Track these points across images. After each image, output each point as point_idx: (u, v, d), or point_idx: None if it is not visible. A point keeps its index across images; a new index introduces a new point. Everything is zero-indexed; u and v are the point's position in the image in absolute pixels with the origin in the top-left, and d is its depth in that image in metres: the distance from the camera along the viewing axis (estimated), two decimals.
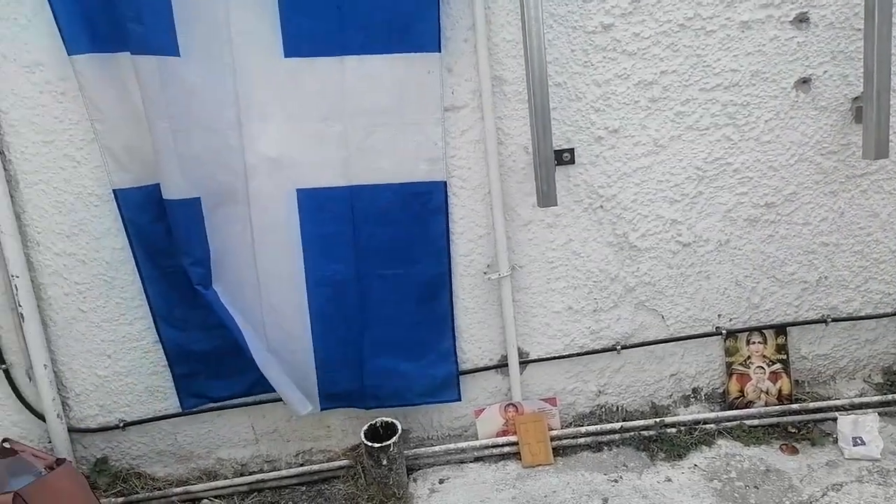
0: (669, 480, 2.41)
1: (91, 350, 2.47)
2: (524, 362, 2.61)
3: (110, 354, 2.48)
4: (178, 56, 2.01)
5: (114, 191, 2.22)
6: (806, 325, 2.67)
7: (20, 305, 2.32)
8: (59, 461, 1.99)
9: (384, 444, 2.37)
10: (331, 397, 2.49)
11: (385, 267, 2.35)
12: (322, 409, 2.50)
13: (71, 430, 2.53)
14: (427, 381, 2.50)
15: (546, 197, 2.24)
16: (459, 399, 2.55)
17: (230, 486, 2.56)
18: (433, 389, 2.52)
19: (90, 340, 2.46)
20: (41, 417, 2.47)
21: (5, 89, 2.18)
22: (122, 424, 2.53)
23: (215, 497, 2.54)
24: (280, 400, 2.51)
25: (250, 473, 2.63)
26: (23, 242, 2.32)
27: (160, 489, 2.56)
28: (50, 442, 2.49)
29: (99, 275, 2.39)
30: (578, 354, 2.61)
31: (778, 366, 2.67)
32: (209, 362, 2.41)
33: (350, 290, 2.36)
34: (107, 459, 2.60)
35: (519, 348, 2.58)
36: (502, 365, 2.61)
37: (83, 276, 2.38)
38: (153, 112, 2.02)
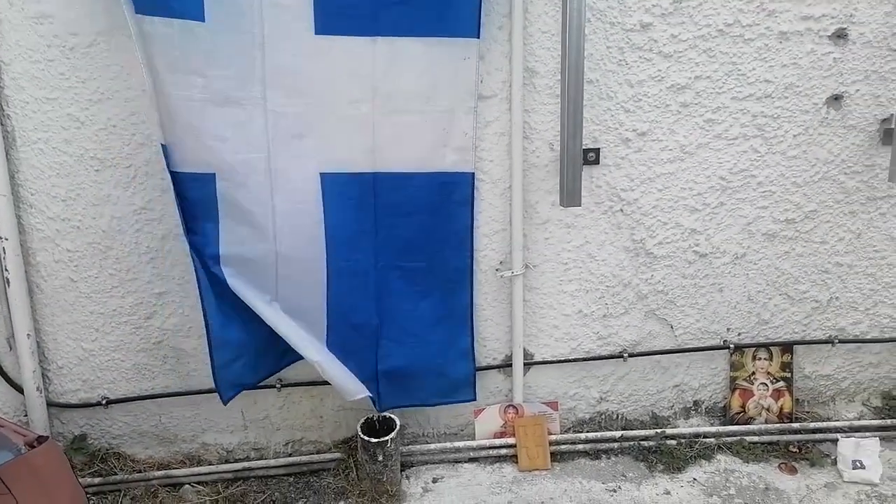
0: (668, 493, 2.37)
1: (78, 322, 2.34)
2: (528, 364, 2.55)
3: (98, 328, 2.35)
4: (203, 21, 1.88)
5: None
6: (812, 345, 2.65)
7: (6, 270, 2.18)
8: (41, 438, 1.85)
9: (382, 439, 2.29)
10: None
11: (406, 259, 2.26)
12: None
13: (50, 404, 2.40)
14: (444, 381, 2.41)
15: (570, 196, 2.17)
16: (475, 399, 2.47)
17: (214, 473, 2.45)
18: (450, 389, 2.43)
19: (78, 311, 2.32)
20: (19, 389, 2.34)
21: (10, 40, 2.04)
22: (104, 402, 2.41)
23: (197, 483, 2.43)
24: (273, 387, 2.42)
25: (236, 461, 2.52)
26: (14, 204, 2.17)
27: (140, 471, 2.44)
28: (26, 415, 2.36)
29: (94, 243, 2.25)
30: (584, 359, 2.56)
31: (781, 383, 2.65)
32: (247, 347, 2.24)
33: (369, 283, 2.25)
34: (85, 437, 2.47)
35: (524, 349, 2.51)
36: (506, 365, 2.54)
37: (77, 243, 2.25)
38: (168, 78, 1.89)
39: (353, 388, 2.32)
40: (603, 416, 2.66)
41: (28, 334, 2.26)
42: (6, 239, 2.15)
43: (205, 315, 2.10)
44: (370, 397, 2.36)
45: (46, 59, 2.07)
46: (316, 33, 2.02)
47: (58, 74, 2.08)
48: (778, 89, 2.31)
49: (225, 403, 2.21)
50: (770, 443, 2.58)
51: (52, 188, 2.19)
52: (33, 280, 2.28)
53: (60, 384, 2.41)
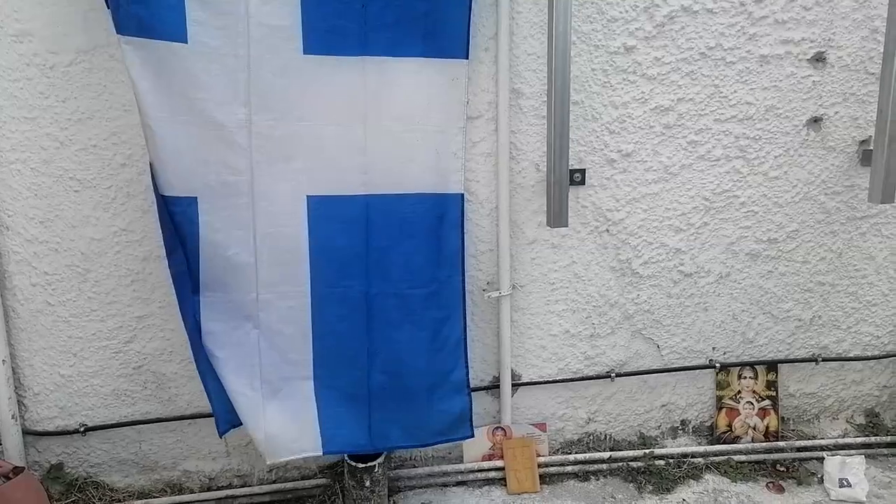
0: None
1: (55, 346, 2.27)
2: (516, 384, 2.53)
3: (76, 352, 2.29)
4: (186, 43, 1.86)
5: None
6: (796, 363, 2.67)
7: None
8: (17, 469, 1.81)
9: (369, 464, 2.24)
10: (334, 439, 2.20)
11: (400, 285, 2.17)
12: (325, 453, 2.21)
13: (25, 432, 2.32)
14: (440, 417, 2.27)
15: (557, 217, 2.17)
16: (472, 436, 2.33)
17: (196, 502, 2.39)
18: (447, 427, 2.28)
19: (55, 336, 2.26)
20: None
21: None
22: (82, 429, 2.33)
23: None
24: None
25: (219, 488, 2.46)
26: None
27: (119, 500, 2.37)
28: (0, 444, 2.28)
29: (72, 265, 2.20)
30: (572, 380, 2.55)
31: (767, 402, 2.66)
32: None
33: (359, 311, 2.17)
34: (62, 466, 2.39)
35: (512, 370, 2.50)
36: (493, 386, 2.52)
37: (55, 265, 2.20)
38: (150, 101, 1.86)
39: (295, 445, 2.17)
40: (591, 437, 2.65)
41: (3, 360, 2.19)
42: None
43: (192, 345, 2.06)
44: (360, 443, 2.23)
45: (26, 77, 2.03)
46: (304, 53, 2.00)
47: (37, 93, 2.05)
48: (759, 111, 2.35)
49: (221, 436, 2.16)
50: (757, 462, 2.59)
51: (29, 209, 2.14)
52: (9, 304, 2.21)
53: (37, 411, 2.34)
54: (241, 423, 2.15)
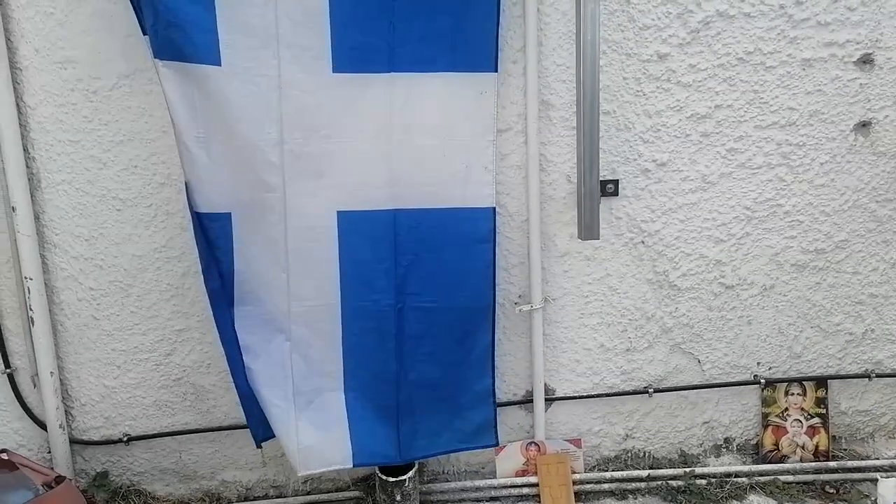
0: None
1: (100, 359, 2.36)
2: (550, 399, 2.48)
3: (120, 365, 2.37)
4: (220, 66, 1.92)
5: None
6: (848, 379, 2.54)
7: (31, 309, 2.21)
8: (59, 479, 1.87)
9: (399, 478, 2.24)
10: (363, 452, 2.23)
11: (427, 299, 2.18)
12: (355, 465, 2.24)
13: (72, 441, 2.42)
14: (464, 425, 2.31)
15: (588, 229, 2.13)
16: (497, 444, 2.35)
17: None
18: (471, 434, 2.32)
19: (100, 349, 2.35)
20: (42, 426, 2.36)
21: (35, 85, 2.10)
22: (126, 439, 2.42)
23: None
24: None
25: (255, 499, 2.51)
26: (39, 243, 2.22)
27: None
28: (49, 452, 2.38)
29: (115, 281, 2.28)
30: (608, 395, 2.49)
31: (816, 420, 2.54)
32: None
33: (388, 324, 2.19)
34: (107, 474, 2.48)
35: (545, 384, 2.46)
36: (527, 401, 2.48)
37: (99, 281, 2.28)
38: (186, 122, 1.92)
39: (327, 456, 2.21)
40: (629, 454, 2.58)
41: (51, 372, 2.29)
42: (31, 279, 2.19)
43: (228, 358, 2.12)
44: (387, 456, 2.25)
45: (70, 102, 2.12)
46: (333, 71, 2.02)
47: (81, 117, 2.14)
48: (802, 117, 2.25)
49: (258, 445, 2.22)
50: (805, 482, 2.47)
51: (75, 228, 2.23)
52: (57, 318, 2.31)
53: (83, 421, 2.43)
54: (274, 435, 2.19)
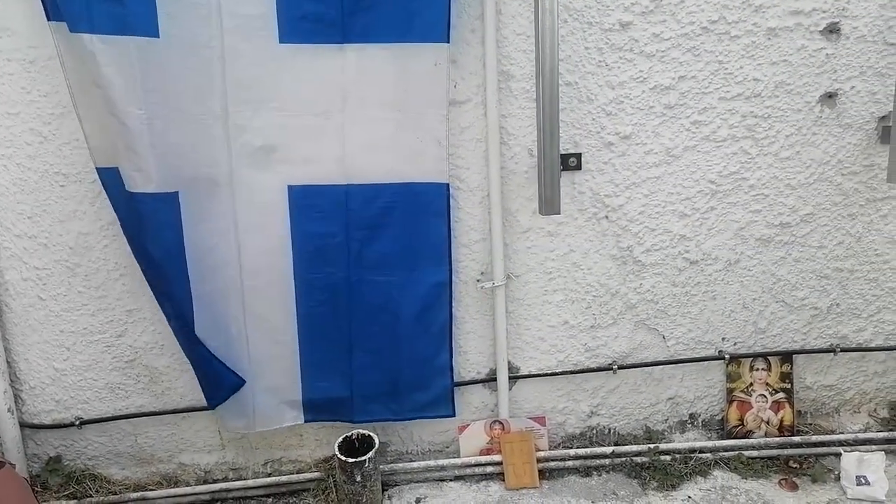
0: None
1: (49, 341, 2.28)
2: (514, 377, 2.45)
3: (69, 347, 2.29)
4: (157, 37, 1.83)
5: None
6: (813, 354, 2.53)
7: None
8: (0, 464, 1.81)
9: (359, 459, 2.21)
10: (316, 407, 2.32)
11: (380, 272, 2.18)
12: (306, 421, 2.34)
13: (23, 425, 2.35)
14: (422, 395, 2.33)
15: (549, 204, 2.08)
16: (454, 415, 2.38)
17: (191, 494, 2.39)
18: (426, 404, 2.35)
19: (48, 330, 2.27)
20: None
21: None
22: (78, 422, 2.35)
23: None
24: None
25: (214, 481, 2.45)
26: None
27: (116, 493, 2.38)
28: None
29: (61, 260, 2.20)
30: (572, 372, 2.46)
31: (781, 395, 2.53)
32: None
33: (341, 296, 2.19)
34: (60, 458, 2.42)
35: (509, 363, 2.42)
36: (490, 379, 2.44)
37: (44, 260, 2.20)
38: (125, 98, 1.84)
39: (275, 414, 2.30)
40: (594, 431, 2.56)
41: None
42: None
43: (178, 334, 2.14)
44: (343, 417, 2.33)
45: (7, 73, 2.02)
46: (280, 42, 1.95)
47: (19, 88, 2.03)
48: (768, 88, 2.21)
49: (212, 408, 2.25)
50: (770, 457, 2.46)
51: (17, 205, 2.14)
52: (2, 299, 2.23)
53: (33, 405, 2.36)
54: (229, 397, 2.23)
